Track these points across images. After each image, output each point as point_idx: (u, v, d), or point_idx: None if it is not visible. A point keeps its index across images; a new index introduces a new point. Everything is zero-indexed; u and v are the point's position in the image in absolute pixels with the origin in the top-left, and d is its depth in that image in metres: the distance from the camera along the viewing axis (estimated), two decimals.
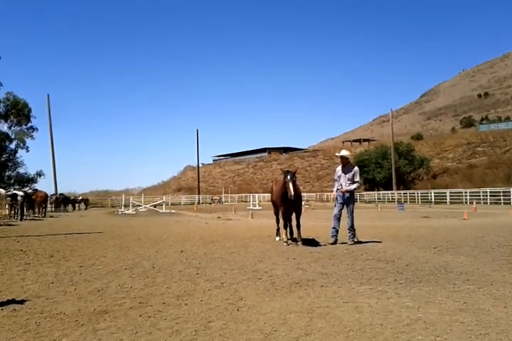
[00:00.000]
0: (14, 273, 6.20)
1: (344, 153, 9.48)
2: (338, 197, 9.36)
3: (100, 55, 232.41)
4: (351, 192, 9.33)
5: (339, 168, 9.55)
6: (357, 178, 9.30)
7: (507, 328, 3.50)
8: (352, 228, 9.15)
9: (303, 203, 10.99)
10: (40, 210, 25.32)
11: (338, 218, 9.27)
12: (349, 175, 9.26)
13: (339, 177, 9.42)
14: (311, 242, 9.35)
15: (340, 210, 9.32)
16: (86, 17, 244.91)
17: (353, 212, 9.24)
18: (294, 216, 9.44)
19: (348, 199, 9.25)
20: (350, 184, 9.24)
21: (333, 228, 9.30)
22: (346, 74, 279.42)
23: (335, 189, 9.48)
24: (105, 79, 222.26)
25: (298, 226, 9.21)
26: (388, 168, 49.46)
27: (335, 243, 9.09)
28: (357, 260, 7.06)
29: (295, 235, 9.46)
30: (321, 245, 9.03)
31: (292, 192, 8.50)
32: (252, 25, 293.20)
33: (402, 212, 26.00)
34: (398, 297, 4.58)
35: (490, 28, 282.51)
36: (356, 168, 9.45)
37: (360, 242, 9.14)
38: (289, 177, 8.68)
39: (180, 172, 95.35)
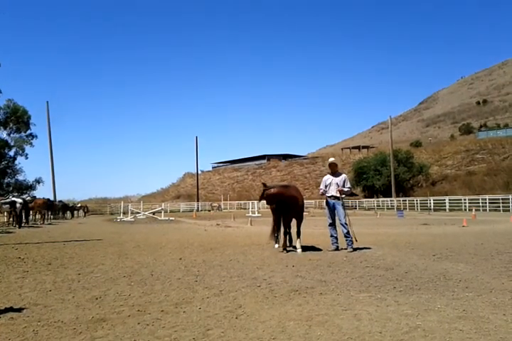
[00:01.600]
0: (12, 281, 6.18)
1: (333, 159, 9.68)
2: (329, 205, 9.45)
3: (99, 64, 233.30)
4: (341, 200, 9.41)
5: (328, 177, 9.61)
6: (348, 184, 9.42)
7: (506, 336, 3.49)
8: (348, 234, 9.17)
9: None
10: (40, 217, 25.29)
11: (334, 225, 9.33)
12: (340, 182, 9.32)
13: (329, 184, 9.48)
14: (310, 249, 9.33)
15: (333, 217, 9.39)
16: (85, 22, 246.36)
17: (345, 218, 9.26)
18: (294, 223, 9.47)
19: (339, 207, 9.33)
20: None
21: (332, 236, 9.33)
22: (345, 81, 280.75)
23: (328, 194, 9.48)
24: (104, 87, 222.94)
25: (298, 233, 9.23)
26: (387, 175, 49.48)
27: (337, 250, 9.11)
28: (356, 267, 7.04)
29: (294, 242, 9.46)
30: (320, 252, 9.02)
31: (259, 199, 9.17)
32: (252, 34, 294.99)
33: (402, 219, 25.98)
34: (397, 304, 4.57)
35: (488, 35, 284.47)
36: (345, 175, 9.59)
37: (357, 249, 9.14)
38: (261, 193, 9.00)
39: (179, 179, 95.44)
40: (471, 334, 3.55)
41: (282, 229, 9.42)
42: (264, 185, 9.06)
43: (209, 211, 52.25)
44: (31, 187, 46.25)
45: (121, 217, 31.31)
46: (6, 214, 22.12)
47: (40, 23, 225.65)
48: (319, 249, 9.40)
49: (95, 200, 69.08)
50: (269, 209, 10.15)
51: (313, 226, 17.00)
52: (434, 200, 39.34)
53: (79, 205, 39.86)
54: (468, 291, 5.17)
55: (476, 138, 66.89)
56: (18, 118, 44.07)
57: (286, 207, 8.92)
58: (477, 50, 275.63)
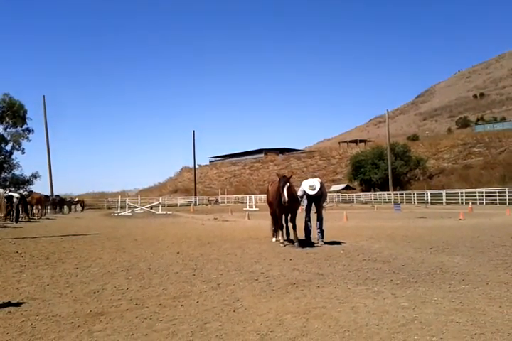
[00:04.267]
0: (10, 275, 6.18)
1: (314, 192, 9.24)
2: (307, 206, 9.72)
3: (96, 55, 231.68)
4: (321, 196, 9.71)
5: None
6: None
7: (502, 328, 3.52)
8: (321, 229, 9.49)
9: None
10: (37, 212, 25.26)
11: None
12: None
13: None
14: (308, 243, 9.36)
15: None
16: (82, 17, 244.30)
17: (321, 213, 9.65)
18: (289, 217, 9.50)
19: (318, 203, 9.66)
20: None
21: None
22: (342, 74, 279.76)
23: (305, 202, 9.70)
24: (101, 81, 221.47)
25: (294, 227, 9.24)
26: (384, 169, 49.52)
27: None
28: (353, 260, 7.07)
29: (291, 236, 9.48)
30: (317, 246, 9.05)
31: (286, 198, 8.60)
32: (248, 27, 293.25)
33: (399, 212, 26.05)
34: (394, 297, 4.59)
35: (485, 28, 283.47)
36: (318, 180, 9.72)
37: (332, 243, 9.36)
38: (282, 183, 8.74)
39: (176, 173, 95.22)
40: (467, 326, 3.57)
41: (279, 223, 9.46)
42: (281, 175, 9.07)
43: (206, 205, 52.28)
44: (28, 182, 46.14)
45: (119, 211, 31.27)
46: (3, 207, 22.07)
47: (37, 20, 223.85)
48: (316, 243, 9.42)
49: (92, 195, 68.98)
50: (266, 203, 10.17)
51: None
52: (431, 194, 39.44)
53: (76, 200, 39.84)
54: (465, 284, 5.20)
55: (473, 131, 66.91)
56: (14, 113, 43.81)
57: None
58: (474, 44, 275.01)
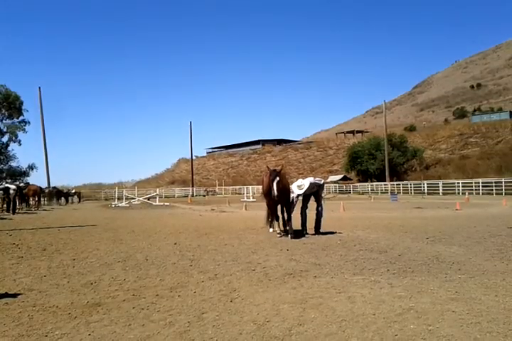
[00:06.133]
0: (7, 267, 6.18)
1: (302, 191, 9.38)
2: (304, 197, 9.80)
3: (93, 49, 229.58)
4: (318, 191, 9.84)
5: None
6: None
7: (498, 317, 3.54)
8: (319, 220, 9.66)
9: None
10: (34, 204, 25.19)
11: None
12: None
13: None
14: (302, 233, 9.39)
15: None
16: (80, 11, 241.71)
17: (321, 205, 9.78)
18: (285, 208, 9.57)
19: (317, 194, 9.83)
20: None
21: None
22: (339, 66, 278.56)
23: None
24: (98, 73, 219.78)
25: (289, 218, 9.29)
26: (381, 160, 49.56)
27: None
28: (350, 250, 7.10)
29: (287, 227, 9.51)
30: (314, 236, 9.08)
31: (276, 193, 8.65)
32: (244, 18, 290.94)
33: (395, 202, 26.13)
34: (391, 287, 4.61)
35: (482, 19, 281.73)
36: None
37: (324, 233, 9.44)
38: (272, 177, 8.77)
39: (173, 164, 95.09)
40: (463, 316, 3.59)
41: (275, 214, 9.49)
42: (272, 169, 9.07)
43: (204, 196, 52.31)
44: (25, 174, 45.88)
45: (116, 202, 31.22)
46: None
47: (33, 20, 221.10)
48: (312, 233, 9.45)
49: (89, 186, 68.79)
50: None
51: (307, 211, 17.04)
52: (427, 184, 39.55)
53: (73, 191, 39.74)
54: (461, 273, 5.22)
55: (470, 122, 66.84)
56: (10, 104, 43.36)
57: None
58: (471, 34, 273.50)
